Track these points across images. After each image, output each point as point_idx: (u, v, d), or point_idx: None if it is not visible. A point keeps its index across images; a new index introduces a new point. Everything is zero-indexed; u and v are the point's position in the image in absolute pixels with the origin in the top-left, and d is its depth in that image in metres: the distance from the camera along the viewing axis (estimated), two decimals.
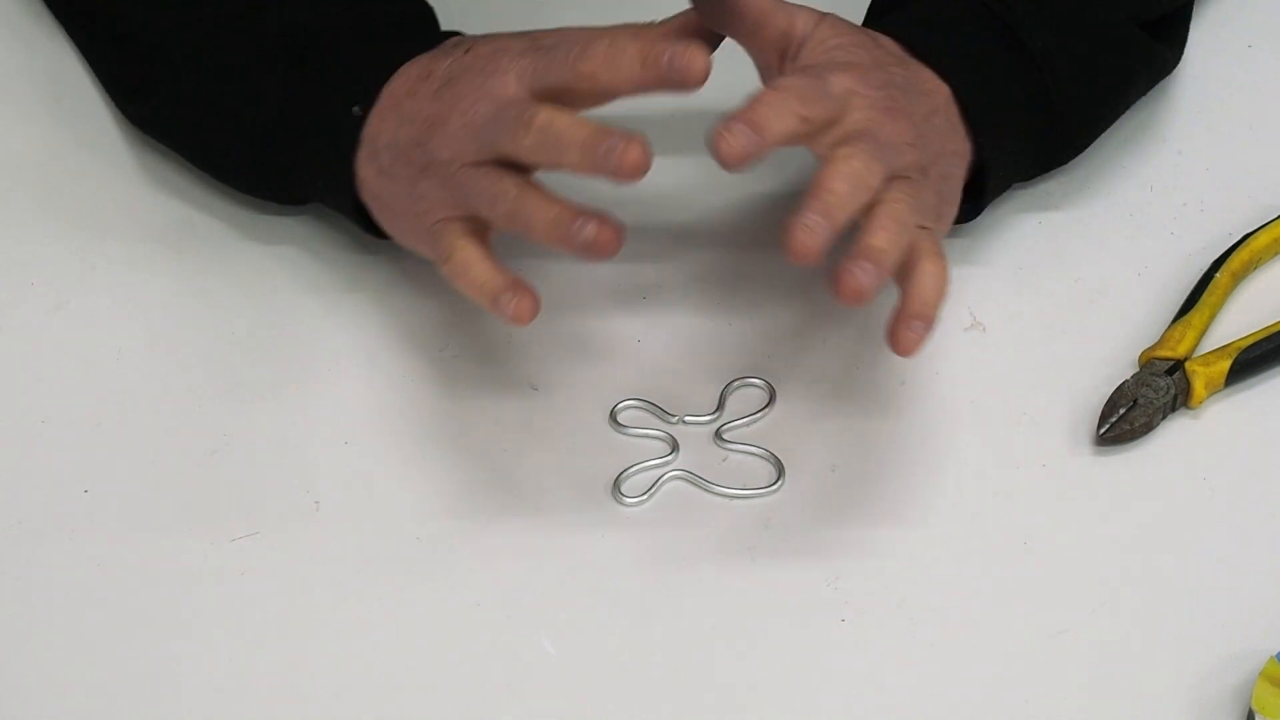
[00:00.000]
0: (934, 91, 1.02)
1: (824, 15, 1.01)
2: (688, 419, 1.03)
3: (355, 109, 1.02)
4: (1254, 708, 0.91)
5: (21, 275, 1.08)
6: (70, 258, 1.09)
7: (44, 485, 1.00)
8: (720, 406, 1.03)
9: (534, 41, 0.99)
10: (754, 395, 1.04)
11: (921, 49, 1.03)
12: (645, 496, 1.00)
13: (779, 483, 1.00)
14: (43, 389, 1.04)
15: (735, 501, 1.00)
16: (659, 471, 1.01)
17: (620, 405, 1.03)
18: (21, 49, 1.18)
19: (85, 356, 1.05)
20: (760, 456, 1.01)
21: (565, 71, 0.96)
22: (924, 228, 0.96)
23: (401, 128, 1.00)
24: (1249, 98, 1.17)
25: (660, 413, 1.03)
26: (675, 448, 1.02)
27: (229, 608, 0.96)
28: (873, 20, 1.09)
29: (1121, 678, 0.94)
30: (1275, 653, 0.93)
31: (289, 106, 1.04)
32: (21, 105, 1.16)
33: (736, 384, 1.04)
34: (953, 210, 1.02)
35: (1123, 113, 1.11)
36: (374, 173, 1.01)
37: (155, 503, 1.00)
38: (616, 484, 1.00)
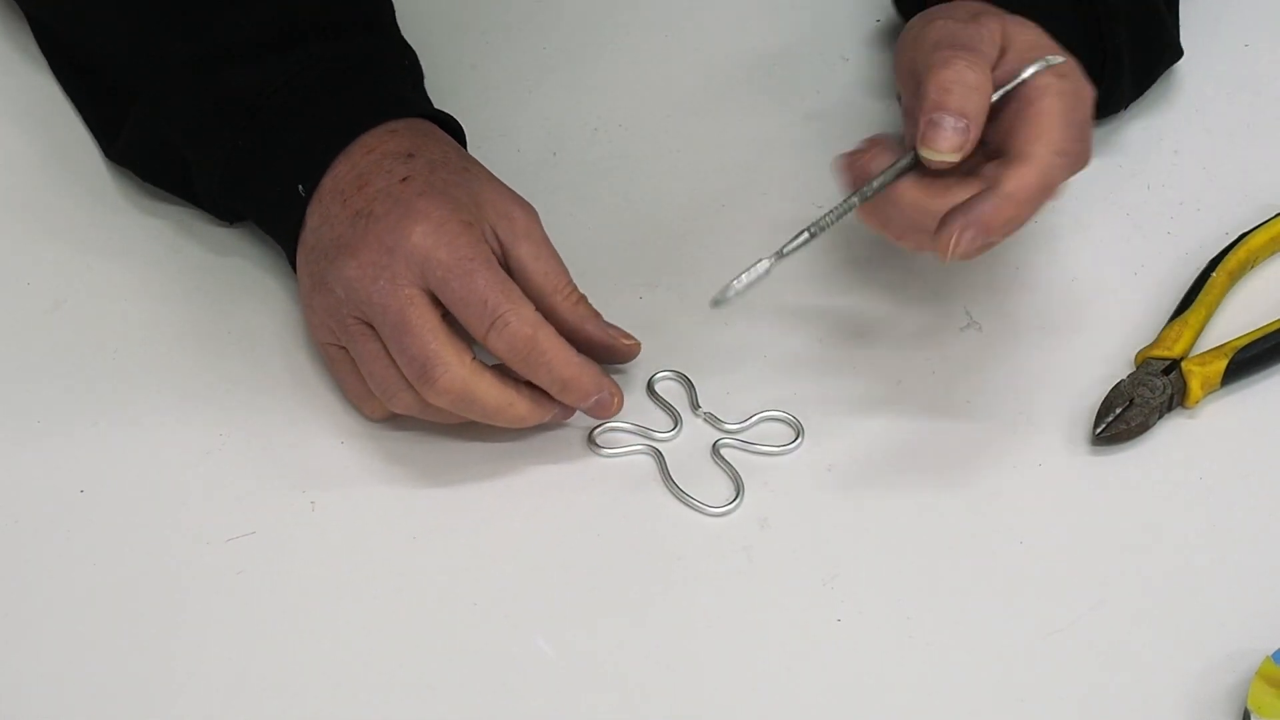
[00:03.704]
0: None
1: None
2: (706, 415, 1.03)
3: (301, 188, 1.00)
4: (1250, 707, 0.91)
5: (17, 275, 1.08)
6: (66, 258, 1.09)
7: (40, 485, 1.00)
8: (746, 423, 1.03)
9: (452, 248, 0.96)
10: (783, 431, 1.03)
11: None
12: (612, 454, 1.01)
13: (730, 505, 1.00)
14: (38, 388, 1.04)
15: (727, 501, 1.00)
16: (634, 443, 1.01)
17: (658, 375, 1.04)
18: (22, 70, 1.17)
19: (81, 356, 1.05)
20: (730, 477, 1.01)
21: (472, 335, 0.97)
22: None
23: (321, 227, 0.99)
24: (1246, 97, 1.17)
25: (692, 395, 1.04)
26: (674, 426, 1.03)
27: (225, 607, 0.96)
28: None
29: (1117, 677, 0.94)
30: (1271, 652, 0.93)
31: (238, 166, 1.03)
32: (20, 112, 1.15)
33: (773, 413, 1.03)
34: None
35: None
36: (301, 245, 1.01)
37: (151, 502, 0.99)
38: (591, 435, 1.01)
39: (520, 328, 0.96)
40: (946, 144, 0.95)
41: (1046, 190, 0.96)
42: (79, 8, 1.08)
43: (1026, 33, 0.99)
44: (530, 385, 0.99)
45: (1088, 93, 0.98)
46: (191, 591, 0.97)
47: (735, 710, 0.94)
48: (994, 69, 0.97)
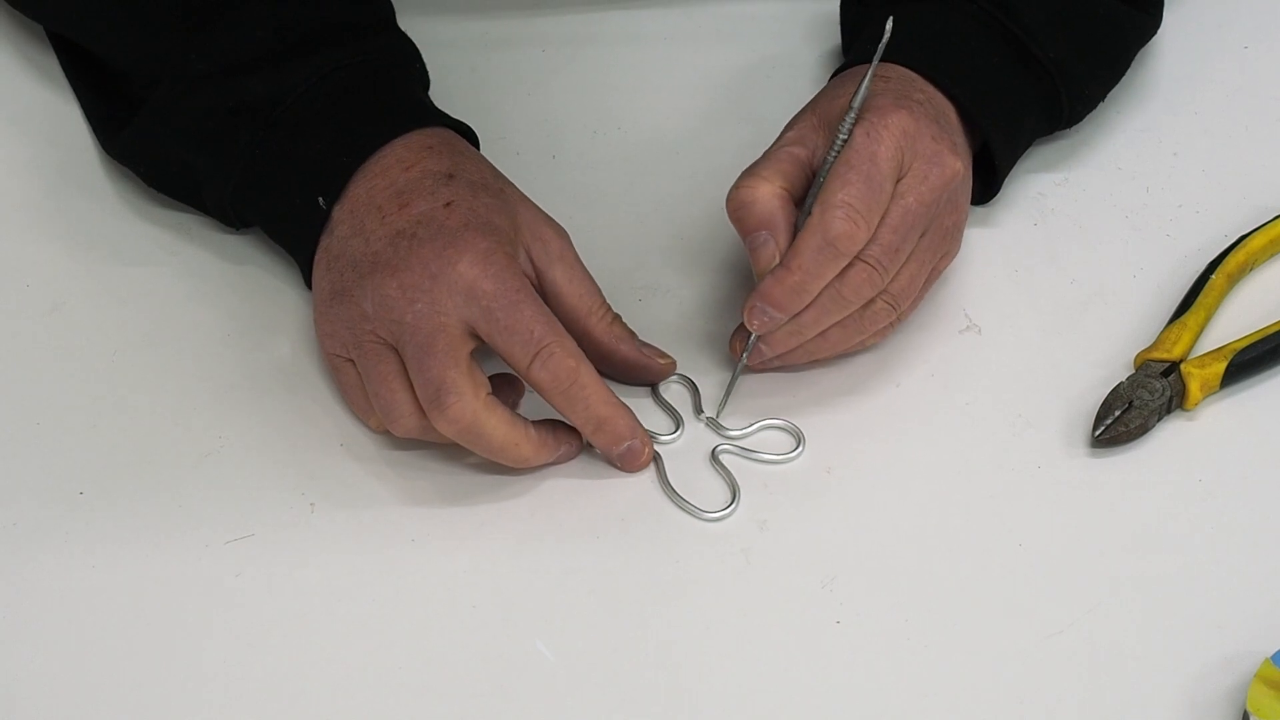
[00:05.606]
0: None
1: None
2: (708, 419, 1.03)
3: (321, 200, 1.00)
4: (1248, 709, 0.91)
5: (17, 277, 1.08)
6: (65, 260, 1.09)
7: (38, 487, 1.00)
8: (747, 430, 1.03)
9: (499, 280, 0.96)
10: (784, 439, 1.04)
11: (932, 72, 1.04)
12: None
13: (725, 512, 1.00)
14: (37, 391, 1.04)
15: (722, 507, 1.00)
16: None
17: (667, 379, 1.04)
18: (21, 71, 1.17)
19: (80, 358, 1.05)
20: (726, 483, 1.01)
21: (512, 367, 0.97)
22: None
23: (352, 239, 0.99)
24: (1245, 100, 1.17)
25: (696, 399, 1.04)
26: (676, 429, 1.03)
27: (224, 610, 0.96)
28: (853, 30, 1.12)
29: (1116, 679, 0.94)
30: (1270, 654, 0.93)
31: (254, 175, 1.03)
32: (19, 118, 1.16)
33: (775, 421, 1.03)
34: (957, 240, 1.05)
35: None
36: (323, 252, 1.01)
37: (150, 505, 1.00)
38: None
39: (565, 359, 0.96)
40: (763, 263, 1.00)
41: (827, 247, 0.98)
42: (91, 17, 1.08)
43: (836, 102, 1.02)
44: (538, 429, 0.99)
45: (882, 137, 0.99)
46: (190, 594, 0.97)
47: (734, 712, 0.94)
48: (815, 151, 1.01)
